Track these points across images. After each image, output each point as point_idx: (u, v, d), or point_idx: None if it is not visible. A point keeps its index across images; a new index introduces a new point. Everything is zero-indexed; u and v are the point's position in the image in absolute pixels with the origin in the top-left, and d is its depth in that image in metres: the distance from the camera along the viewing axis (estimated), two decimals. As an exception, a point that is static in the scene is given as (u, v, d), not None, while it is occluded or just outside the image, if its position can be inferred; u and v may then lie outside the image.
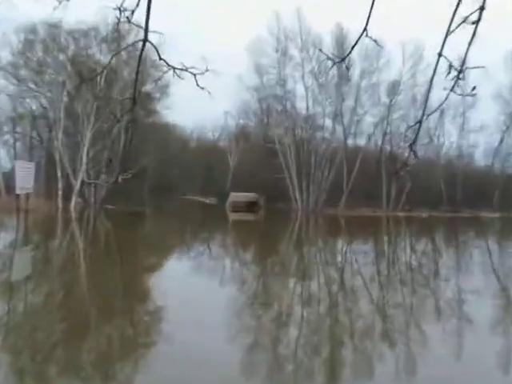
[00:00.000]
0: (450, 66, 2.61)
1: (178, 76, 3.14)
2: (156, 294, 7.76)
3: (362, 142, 37.44)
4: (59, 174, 28.60)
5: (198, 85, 3.31)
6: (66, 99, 28.97)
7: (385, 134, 36.08)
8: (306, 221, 28.45)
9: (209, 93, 3.52)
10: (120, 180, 3.83)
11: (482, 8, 2.49)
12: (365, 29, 2.82)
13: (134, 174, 25.84)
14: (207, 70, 3.28)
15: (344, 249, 15.36)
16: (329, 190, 34.98)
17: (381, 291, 8.50)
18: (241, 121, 48.16)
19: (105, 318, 6.10)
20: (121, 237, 16.02)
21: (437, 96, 3.18)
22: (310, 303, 7.35)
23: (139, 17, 2.83)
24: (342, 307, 7.19)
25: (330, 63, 3.34)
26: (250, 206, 36.04)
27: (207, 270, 10.16)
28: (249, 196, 36.58)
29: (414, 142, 3.19)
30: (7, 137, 32.31)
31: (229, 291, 8.04)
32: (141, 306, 6.93)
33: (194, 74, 3.24)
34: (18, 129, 31.91)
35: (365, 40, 2.87)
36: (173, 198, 48.77)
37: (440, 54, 2.63)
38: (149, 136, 34.87)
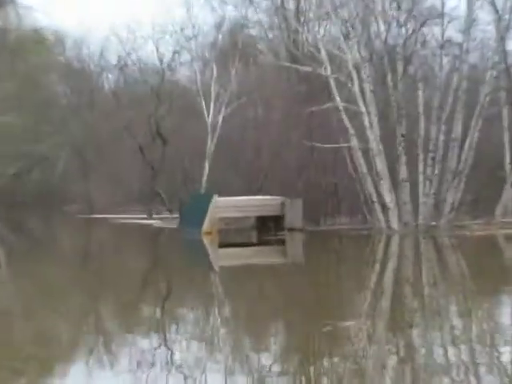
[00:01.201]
0: None
1: None
2: None
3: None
4: None
5: None
6: None
7: None
8: (416, 255, 29.72)
9: None
10: None
11: None
12: None
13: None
14: None
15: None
16: (469, 175, 35.83)
17: None
18: (230, 13, 49.43)
19: None
20: None
21: None
22: None
23: None
24: None
25: None
26: (266, 229, 37.16)
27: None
28: (261, 203, 37.74)
29: None
30: None
31: None
32: None
33: None
34: None
35: None
36: (66, 217, 51.00)
37: None
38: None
